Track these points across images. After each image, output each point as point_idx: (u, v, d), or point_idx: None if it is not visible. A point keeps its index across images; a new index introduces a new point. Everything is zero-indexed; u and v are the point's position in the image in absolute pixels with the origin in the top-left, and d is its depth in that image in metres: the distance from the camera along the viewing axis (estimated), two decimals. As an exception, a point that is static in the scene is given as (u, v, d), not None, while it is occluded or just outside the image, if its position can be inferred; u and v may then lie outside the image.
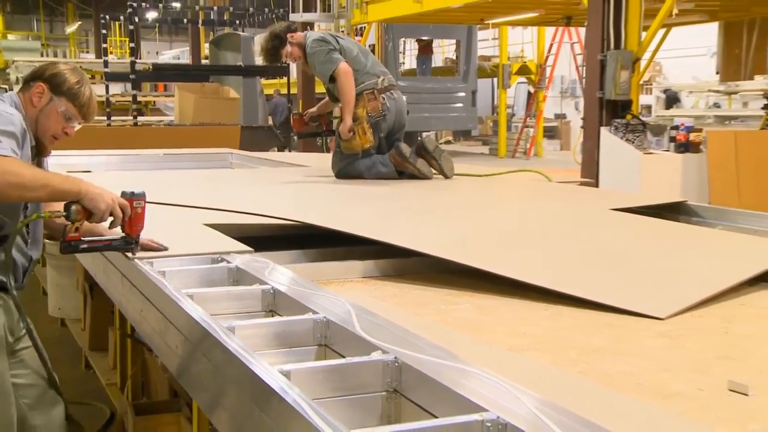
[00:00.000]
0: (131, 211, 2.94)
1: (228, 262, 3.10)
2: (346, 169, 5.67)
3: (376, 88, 5.56)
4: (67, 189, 2.86)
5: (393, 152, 5.61)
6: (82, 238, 2.99)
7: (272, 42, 5.84)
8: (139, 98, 18.41)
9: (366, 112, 5.53)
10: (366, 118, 5.53)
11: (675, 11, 9.27)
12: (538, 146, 20.88)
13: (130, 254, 3.06)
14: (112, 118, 17.12)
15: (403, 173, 5.62)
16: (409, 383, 1.96)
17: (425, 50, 20.42)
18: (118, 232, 3.04)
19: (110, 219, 2.92)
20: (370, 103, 5.55)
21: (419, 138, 6.04)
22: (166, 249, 3.15)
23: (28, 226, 3.19)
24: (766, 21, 13.93)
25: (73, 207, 2.86)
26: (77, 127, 3.19)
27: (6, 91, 3.75)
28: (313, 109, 6.33)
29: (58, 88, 3.09)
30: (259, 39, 21.81)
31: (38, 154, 3.17)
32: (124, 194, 2.97)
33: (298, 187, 5.66)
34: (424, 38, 20.02)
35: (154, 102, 22.99)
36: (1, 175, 2.70)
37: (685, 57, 19.94)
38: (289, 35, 5.77)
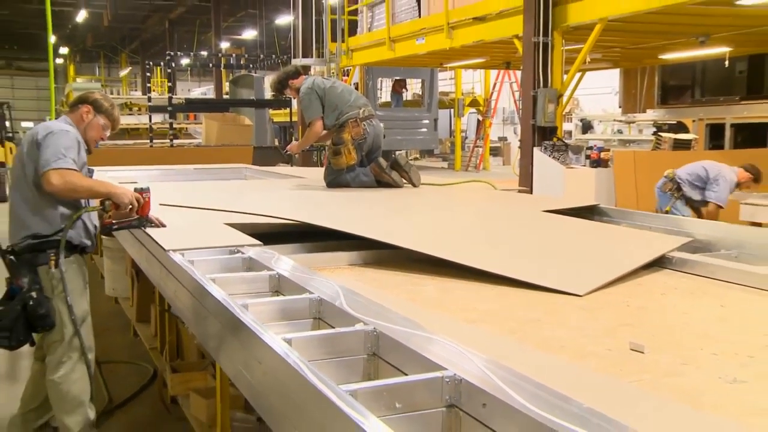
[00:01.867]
0: (142, 200, 3.48)
1: (242, 253, 3.07)
2: (336, 180, 5.66)
3: (359, 117, 5.57)
4: (102, 191, 3.40)
5: (373, 165, 5.61)
6: (113, 222, 3.54)
7: (278, 84, 6.03)
8: (174, 125, 18.46)
9: (351, 136, 5.54)
10: (351, 141, 5.54)
11: (587, 60, 9.34)
12: (486, 162, 20.92)
13: (165, 246, 3.11)
14: (154, 141, 17.08)
15: (380, 182, 5.61)
16: (385, 348, 1.95)
17: (397, 88, 20.41)
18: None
19: (130, 207, 3.42)
20: (353, 129, 5.55)
21: (393, 155, 6.02)
22: (164, 226, 3.52)
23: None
24: (653, 69, 14.08)
25: (107, 202, 3.46)
26: (108, 133, 3.71)
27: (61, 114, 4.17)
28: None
29: (99, 109, 3.60)
30: (270, 78, 21.66)
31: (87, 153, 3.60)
32: (136, 189, 3.50)
33: (297, 193, 5.63)
34: (397, 78, 20.07)
35: (186, 128, 22.99)
36: (66, 184, 3.23)
37: (596, 94, 20.09)
38: (290, 81, 5.83)
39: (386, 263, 3.38)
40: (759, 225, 6.56)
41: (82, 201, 3.51)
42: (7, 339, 3.14)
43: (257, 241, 3.25)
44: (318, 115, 5.66)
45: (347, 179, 5.63)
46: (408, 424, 1.59)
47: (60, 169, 3.20)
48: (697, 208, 7.13)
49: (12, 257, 3.28)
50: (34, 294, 3.17)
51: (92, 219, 3.59)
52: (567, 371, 1.97)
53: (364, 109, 5.71)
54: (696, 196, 7.08)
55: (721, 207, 6.85)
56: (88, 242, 3.53)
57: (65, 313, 3.34)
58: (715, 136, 12.92)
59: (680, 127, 13.54)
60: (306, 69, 6.32)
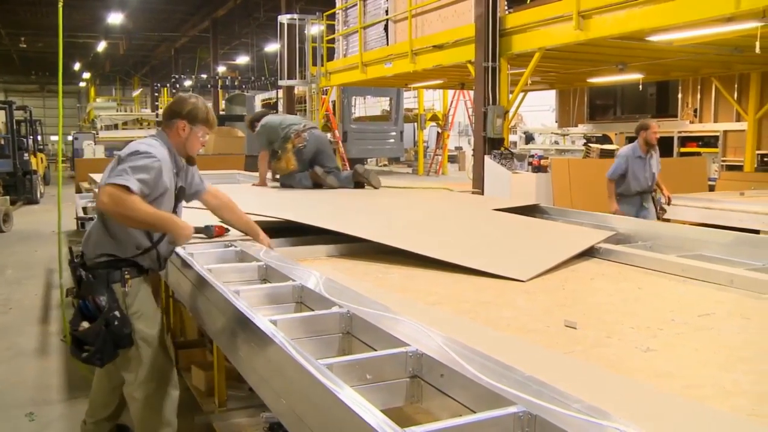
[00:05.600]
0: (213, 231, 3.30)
1: (235, 246, 3.04)
2: (286, 182, 5.95)
3: (300, 129, 5.92)
4: (158, 226, 2.68)
5: (312, 171, 5.82)
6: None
7: (250, 123, 6.36)
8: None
9: (292, 145, 5.84)
10: (291, 149, 5.83)
11: (529, 82, 9.41)
12: (444, 168, 20.95)
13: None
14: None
15: (319, 185, 5.78)
16: (358, 328, 1.94)
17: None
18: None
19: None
20: (296, 139, 5.87)
21: (365, 162, 6.23)
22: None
23: None
24: (583, 90, 14.22)
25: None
26: (207, 137, 2.99)
27: (157, 129, 3.48)
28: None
29: (194, 120, 2.84)
30: (259, 97, 21.18)
31: (188, 163, 2.97)
32: (208, 226, 3.30)
33: (281, 195, 5.59)
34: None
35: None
36: (117, 206, 2.52)
37: (536, 111, 20.22)
38: (255, 123, 6.24)
39: (358, 254, 3.36)
40: (668, 221, 6.66)
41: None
42: (100, 360, 2.62)
43: (248, 237, 3.21)
44: (263, 149, 6.14)
45: (293, 181, 5.90)
46: (377, 392, 1.58)
47: (117, 185, 2.52)
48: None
49: (85, 272, 2.71)
50: (117, 313, 2.63)
51: (167, 247, 2.89)
52: (512, 345, 1.98)
53: (305, 124, 6.09)
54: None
55: (610, 180, 6.31)
56: (157, 268, 2.91)
57: (142, 330, 2.76)
58: (634, 146, 13.12)
59: (605, 139, 13.71)
60: (266, 113, 6.60)
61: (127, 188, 2.52)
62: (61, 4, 4.42)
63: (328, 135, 6.05)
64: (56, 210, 5.05)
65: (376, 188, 5.84)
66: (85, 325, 2.61)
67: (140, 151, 2.65)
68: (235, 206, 3.27)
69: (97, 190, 2.70)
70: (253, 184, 6.37)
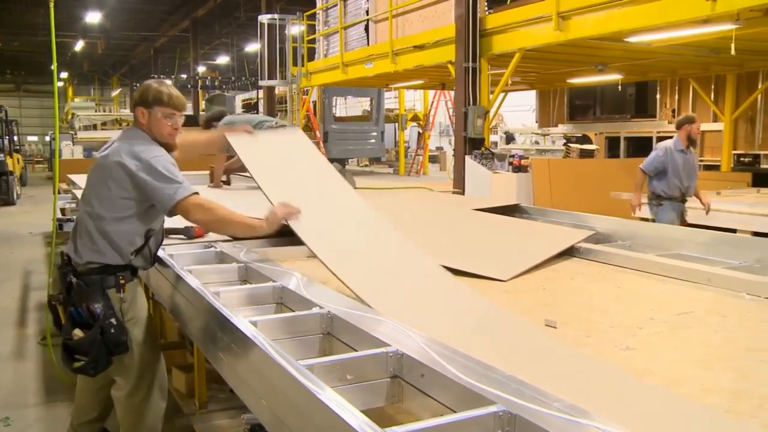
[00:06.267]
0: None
1: (215, 247, 3.01)
2: None
3: (272, 126, 5.85)
4: (249, 228, 2.70)
5: None
6: None
7: (206, 124, 6.12)
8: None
9: None
10: None
11: (509, 82, 9.45)
12: (425, 168, 21.00)
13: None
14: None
15: None
16: (338, 328, 1.93)
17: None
18: None
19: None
20: None
21: (346, 162, 6.15)
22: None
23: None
24: (563, 91, 14.34)
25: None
26: (178, 117, 2.71)
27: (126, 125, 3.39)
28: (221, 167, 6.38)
29: (147, 103, 2.64)
30: (239, 98, 21.11)
31: (167, 151, 2.70)
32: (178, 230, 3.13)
33: (258, 194, 5.55)
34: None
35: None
36: (214, 216, 2.58)
37: (516, 111, 20.35)
38: (213, 123, 5.99)
39: (340, 255, 3.34)
40: (647, 220, 6.72)
41: (155, 230, 2.72)
42: (93, 369, 2.51)
43: (228, 237, 3.19)
44: (222, 151, 5.84)
45: None
46: (358, 393, 1.57)
47: (188, 197, 2.50)
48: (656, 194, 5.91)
49: (77, 279, 2.57)
50: (113, 320, 2.52)
51: (159, 241, 2.81)
52: (492, 345, 1.98)
53: (276, 121, 5.99)
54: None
55: (644, 172, 5.86)
56: (149, 266, 2.80)
57: (137, 336, 2.66)
58: (612, 147, 13.26)
59: (585, 139, 13.85)
60: (224, 112, 6.50)
61: (195, 194, 2.53)
62: (52, 4, 4.34)
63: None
64: (33, 212, 4.97)
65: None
66: (79, 333, 2.50)
67: (150, 159, 2.54)
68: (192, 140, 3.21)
69: (168, 208, 2.55)
70: (209, 186, 6.15)
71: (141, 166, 2.51)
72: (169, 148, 2.72)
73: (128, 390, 2.70)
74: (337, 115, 21.06)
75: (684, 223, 5.82)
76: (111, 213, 2.56)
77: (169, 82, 3.28)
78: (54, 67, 4.62)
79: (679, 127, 5.95)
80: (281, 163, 3.30)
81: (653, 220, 5.83)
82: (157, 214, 2.66)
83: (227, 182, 6.37)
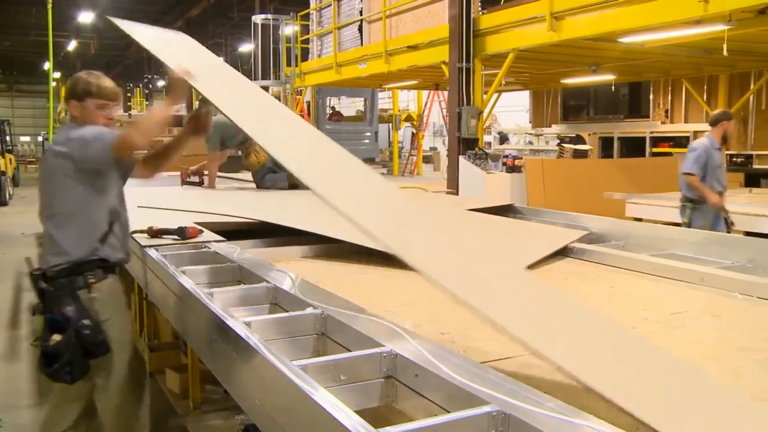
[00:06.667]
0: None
1: (208, 248, 3.00)
2: (262, 183, 5.87)
3: None
4: (162, 118, 2.63)
5: (289, 173, 5.80)
6: None
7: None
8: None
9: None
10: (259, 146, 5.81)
11: (503, 82, 9.46)
12: (419, 168, 21.01)
13: (142, 243, 3.01)
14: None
15: (295, 186, 5.68)
16: (332, 329, 1.92)
17: (336, 116, 20.20)
18: None
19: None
20: None
21: None
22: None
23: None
24: (556, 91, 14.37)
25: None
26: (113, 108, 2.67)
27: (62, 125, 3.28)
28: (195, 167, 6.34)
29: (77, 95, 2.61)
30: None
31: None
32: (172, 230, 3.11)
33: (253, 195, 5.56)
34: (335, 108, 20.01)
35: (162, 140, 22.45)
36: (138, 136, 2.48)
37: (510, 111, 20.39)
38: None
39: (333, 255, 3.35)
40: (641, 220, 6.75)
41: (118, 213, 2.67)
42: (69, 374, 2.46)
43: (222, 238, 3.18)
44: (215, 149, 6.00)
45: (269, 183, 5.82)
46: (351, 393, 1.57)
47: (118, 136, 2.48)
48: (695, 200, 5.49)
49: (46, 285, 2.52)
50: (86, 322, 2.47)
51: (126, 228, 2.76)
52: (486, 345, 1.98)
53: None
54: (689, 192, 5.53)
55: (688, 174, 5.47)
56: (123, 256, 2.72)
57: (114, 337, 2.59)
58: (606, 147, 13.30)
59: (578, 140, 13.87)
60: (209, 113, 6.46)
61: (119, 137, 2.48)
62: (50, 5, 4.32)
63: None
64: (26, 212, 4.96)
65: None
66: (56, 338, 2.46)
67: (74, 136, 2.53)
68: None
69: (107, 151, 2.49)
70: (204, 187, 6.13)
71: (73, 144, 2.52)
72: None
73: (108, 392, 2.64)
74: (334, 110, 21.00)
75: (727, 228, 5.41)
76: (65, 207, 2.55)
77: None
78: (50, 66, 4.60)
79: (714, 124, 5.61)
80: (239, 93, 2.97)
81: (687, 225, 5.44)
82: (107, 186, 2.60)
83: (200, 183, 6.27)
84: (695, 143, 5.77)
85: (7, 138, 17.54)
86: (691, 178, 5.46)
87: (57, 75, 38.89)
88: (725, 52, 6.52)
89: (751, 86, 10.41)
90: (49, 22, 4.13)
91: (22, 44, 27.87)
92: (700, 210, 5.43)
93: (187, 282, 2.32)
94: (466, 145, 8.44)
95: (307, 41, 13.48)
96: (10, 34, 25.68)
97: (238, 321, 1.84)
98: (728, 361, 1.88)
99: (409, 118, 21.66)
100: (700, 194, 5.42)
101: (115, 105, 2.69)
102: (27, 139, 35.92)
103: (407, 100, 24.01)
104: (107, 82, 2.68)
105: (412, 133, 21.90)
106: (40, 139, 21.97)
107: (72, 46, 27.57)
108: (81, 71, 2.77)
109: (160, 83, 23.56)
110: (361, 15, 11.09)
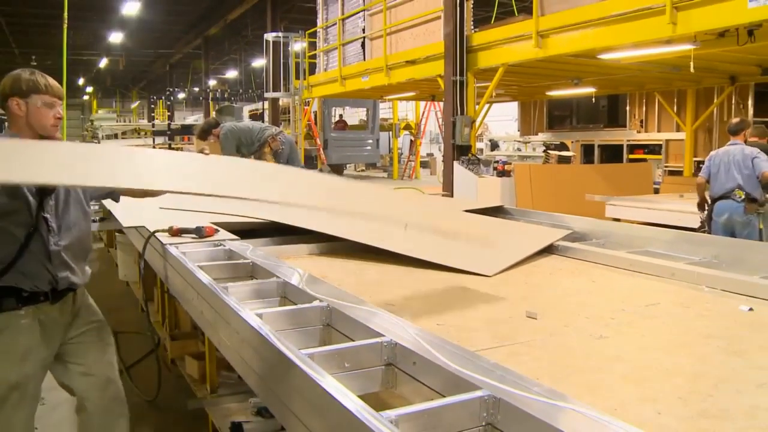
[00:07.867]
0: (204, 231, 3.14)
1: (224, 245, 3.00)
2: None
3: (273, 134, 5.85)
4: None
5: None
6: None
7: (202, 133, 6.30)
8: (172, 145, 18.02)
9: (270, 148, 5.96)
10: (269, 152, 5.96)
11: (494, 94, 9.46)
12: (417, 172, 20.96)
13: (164, 240, 3.00)
14: (155, 157, 16.60)
15: None
16: (337, 320, 1.92)
17: (341, 124, 20.17)
18: None
19: None
20: (273, 143, 6.00)
21: (344, 167, 6.29)
22: None
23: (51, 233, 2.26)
24: (542, 102, 14.35)
25: None
26: (59, 106, 2.29)
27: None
28: None
29: (21, 92, 2.21)
30: (247, 108, 20.91)
31: None
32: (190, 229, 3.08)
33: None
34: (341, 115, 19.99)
35: (182, 147, 22.51)
36: None
37: (500, 120, 20.37)
38: (212, 130, 6.20)
39: (338, 253, 3.34)
40: (619, 220, 6.74)
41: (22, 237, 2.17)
42: None
43: (236, 237, 3.18)
44: (231, 155, 6.05)
45: None
46: (355, 379, 1.57)
47: None
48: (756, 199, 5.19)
49: None
50: None
51: (48, 246, 2.24)
52: (478, 334, 1.98)
53: (275, 128, 6.21)
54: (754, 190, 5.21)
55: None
56: (48, 287, 2.24)
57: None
58: (587, 153, 13.29)
59: (563, 147, 13.86)
60: (219, 121, 6.55)
61: None
62: (65, 26, 4.35)
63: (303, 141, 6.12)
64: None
65: None
66: None
67: None
68: None
69: None
70: None
71: None
72: (51, 139, 2.29)
73: None
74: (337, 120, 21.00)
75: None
76: None
77: (182, 95, 3.08)
78: (64, 79, 4.62)
79: (736, 133, 5.42)
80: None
81: (761, 230, 5.16)
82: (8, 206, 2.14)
83: None
84: (754, 149, 5.35)
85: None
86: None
87: (89, 89, 39.04)
88: (692, 69, 6.52)
89: (715, 100, 10.47)
90: (64, 39, 4.16)
91: (61, 63, 28.25)
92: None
93: (204, 277, 2.31)
94: (460, 151, 8.43)
95: (314, 56, 13.48)
96: (52, 54, 25.87)
97: (250, 313, 1.83)
98: (696, 347, 1.88)
99: (407, 127, 21.64)
100: (761, 194, 5.16)
101: (61, 104, 2.30)
102: (61, 147, 36.00)
103: (406, 110, 24.01)
104: (52, 80, 2.31)
105: (411, 140, 21.86)
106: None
107: (103, 63, 27.69)
108: (17, 69, 2.33)
109: (181, 95, 23.59)
110: (364, 33, 11.09)
